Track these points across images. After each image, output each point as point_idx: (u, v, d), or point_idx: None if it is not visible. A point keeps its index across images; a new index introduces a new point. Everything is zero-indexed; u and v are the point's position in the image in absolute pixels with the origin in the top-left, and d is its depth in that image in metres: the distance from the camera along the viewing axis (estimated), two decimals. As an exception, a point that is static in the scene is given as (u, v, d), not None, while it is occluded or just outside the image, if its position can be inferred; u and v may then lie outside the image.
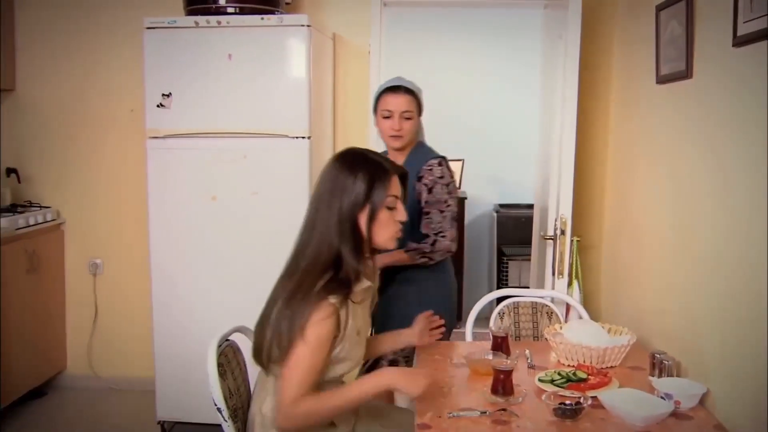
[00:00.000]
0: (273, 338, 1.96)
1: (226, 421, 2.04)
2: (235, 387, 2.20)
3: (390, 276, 2.83)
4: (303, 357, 1.90)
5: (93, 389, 4.26)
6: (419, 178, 2.76)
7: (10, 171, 4.06)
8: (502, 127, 5.84)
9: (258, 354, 2.06)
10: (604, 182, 3.74)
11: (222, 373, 2.11)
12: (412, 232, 2.75)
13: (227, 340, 2.27)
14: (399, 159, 2.83)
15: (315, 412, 1.94)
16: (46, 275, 4.10)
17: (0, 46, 4.00)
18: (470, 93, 5.85)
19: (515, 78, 5.73)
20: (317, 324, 1.89)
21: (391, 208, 2.02)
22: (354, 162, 2.02)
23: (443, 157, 2.81)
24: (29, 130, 4.19)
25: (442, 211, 2.71)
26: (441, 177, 2.72)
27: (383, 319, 2.81)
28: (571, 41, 3.40)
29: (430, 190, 2.73)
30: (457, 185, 2.84)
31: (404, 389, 1.98)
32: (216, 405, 2.04)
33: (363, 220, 1.99)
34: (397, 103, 2.82)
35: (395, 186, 2.04)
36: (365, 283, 2.03)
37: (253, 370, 2.40)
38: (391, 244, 2.07)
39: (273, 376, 2.04)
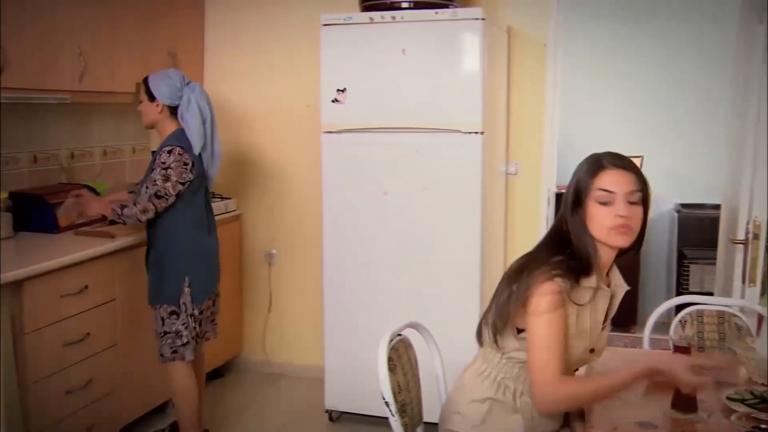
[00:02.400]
0: (496, 311, 2.02)
1: (393, 415, 2.03)
2: (404, 382, 2.20)
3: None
4: (539, 334, 1.91)
5: (266, 374, 4.45)
6: (156, 160, 3.15)
7: (197, 164, 4.30)
8: (686, 121, 5.52)
9: (480, 330, 2.14)
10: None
11: (392, 368, 2.11)
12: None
13: (399, 335, 2.27)
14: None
15: (574, 396, 1.93)
16: (226, 263, 4.25)
17: (191, 47, 4.27)
18: (650, 85, 5.56)
19: (701, 69, 5.40)
20: (543, 296, 1.90)
21: (603, 203, 1.96)
22: (586, 159, 2.06)
23: (179, 146, 3.10)
24: (214, 125, 4.43)
25: (147, 187, 3.08)
26: (163, 162, 3.08)
27: None
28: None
29: (152, 171, 3.11)
30: (184, 173, 3.11)
31: (682, 380, 1.89)
32: (384, 399, 2.04)
33: (582, 212, 2.00)
34: None
35: (608, 180, 1.96)
36: (592, 281, 1.99)
37: (428, 368, 2.41)
38: (610, 238, 1.97)
39: (496, 350, 2.07)
